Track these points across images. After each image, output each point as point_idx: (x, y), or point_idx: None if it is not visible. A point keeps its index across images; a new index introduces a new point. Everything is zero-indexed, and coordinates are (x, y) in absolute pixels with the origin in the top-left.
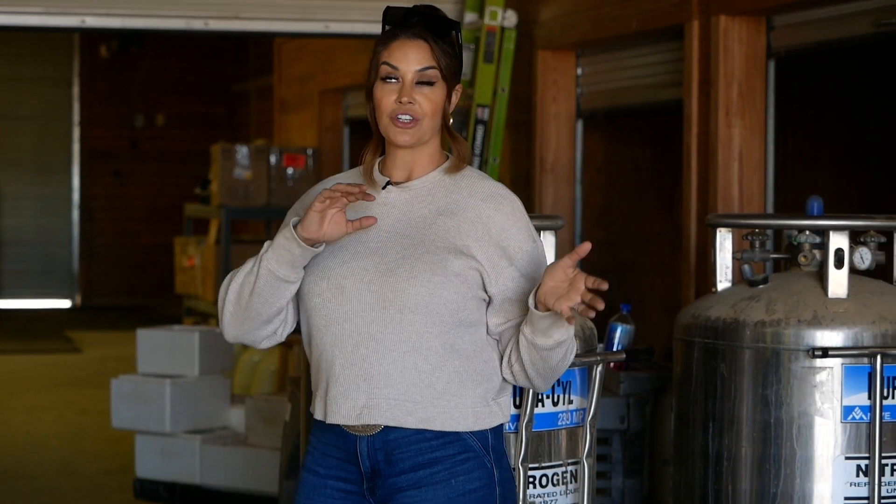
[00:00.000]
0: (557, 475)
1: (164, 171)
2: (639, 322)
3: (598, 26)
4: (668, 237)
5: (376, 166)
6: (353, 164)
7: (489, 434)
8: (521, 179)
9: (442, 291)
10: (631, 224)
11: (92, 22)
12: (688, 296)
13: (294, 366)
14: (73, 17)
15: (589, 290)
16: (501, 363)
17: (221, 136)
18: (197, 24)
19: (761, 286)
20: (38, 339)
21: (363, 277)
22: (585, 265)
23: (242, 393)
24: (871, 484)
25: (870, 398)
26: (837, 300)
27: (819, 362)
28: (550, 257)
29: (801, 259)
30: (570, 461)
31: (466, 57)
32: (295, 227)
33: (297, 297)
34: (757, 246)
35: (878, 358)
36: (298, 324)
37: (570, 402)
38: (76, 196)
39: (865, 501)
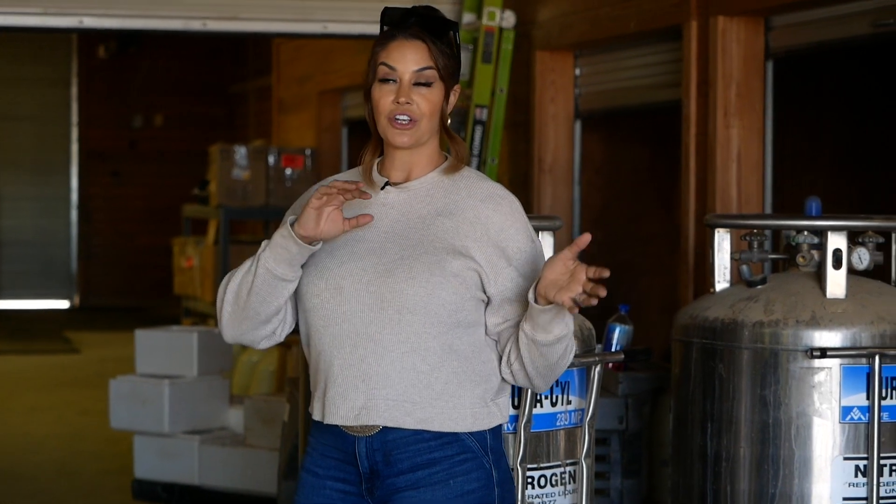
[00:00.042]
0: (556, 476)
1: (163, 172)
2: (637, 323)
3: (597, 27)
4: (666, 238)
5: (375, 167)
6: (351, 165)
7: (488, 435)
8: (520, 180)
9: (440, 292)
10: (629, 224)
11: (90, 22)
12: (686, 296)
13: (292, 366)
14: (72, 18)
15: (590, 280)
16: (500, 363)
17: (220, 136)
18: (195, 25)
19: (759, 287)
20: (36, 340)
21: (362, 278)
22: (584, 262)
23: (241, 393)
24: (869, 484)
25: (868, 398)
26: (836, 300)
27: (817, 363)
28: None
29: (800, 259)
30: (568, 462)
31: (465, 57)
32: (292, 225)
33: (296, 298)
34: (755, 246)
35: (877, 358)
36: (297, 324)
37: (569, 402)
38: (74, 196)
39: (864, 502)
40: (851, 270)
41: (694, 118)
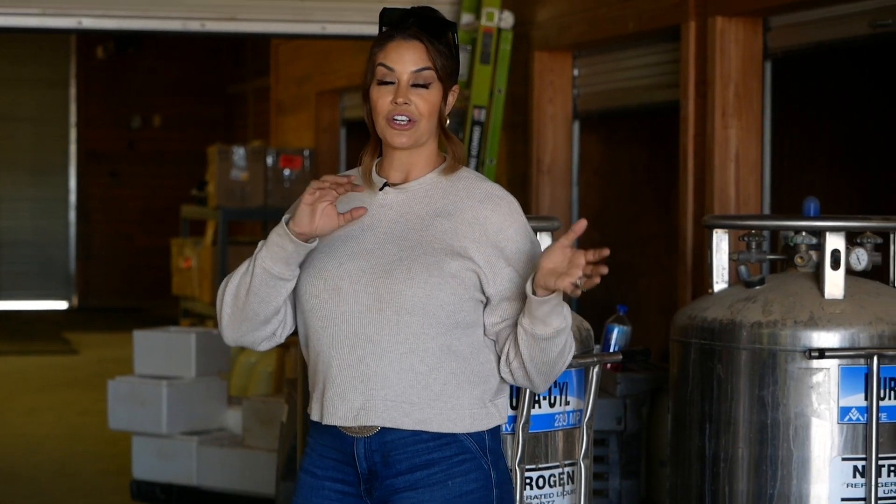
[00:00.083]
0: (554, 476)
1: (161, 173)
2: (635, 323)
3: (595, 27)
4: (664, 238)
5: (374, 168)
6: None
7: (486, 435)
8: (518, 181)
9: (438, 293)
10: (627, 225)
11: (89, 23)
12: (684, 297)
13: (291, 367)
14: (70, 19)
15: (590, 262)
16: (499, 363)
17: (218, 137)
18: (194, 26)
19: (758, 287)
20: (34, 341)
21: (360, 279)
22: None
23: (239, 394)
24: (867, 485)
25: (866, 399)
26: (834, 301)
27: (816, 363)
28: None
29: (798, 260)
30: (566, 462)
31: (463, 58)
32: (287, 223)
33: (294, 298)
34: (753, 247)
35: (875, 359)
36: (297, 325)
37: (567, 403)
38: (73, 197)
39: (862, 502)
40: (850, 271)
41: (692, 118)
